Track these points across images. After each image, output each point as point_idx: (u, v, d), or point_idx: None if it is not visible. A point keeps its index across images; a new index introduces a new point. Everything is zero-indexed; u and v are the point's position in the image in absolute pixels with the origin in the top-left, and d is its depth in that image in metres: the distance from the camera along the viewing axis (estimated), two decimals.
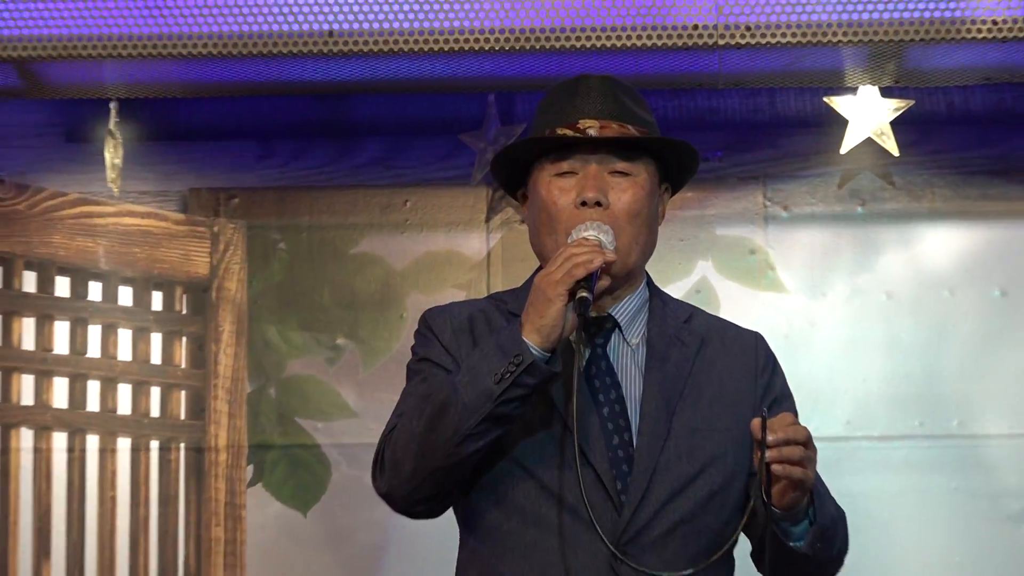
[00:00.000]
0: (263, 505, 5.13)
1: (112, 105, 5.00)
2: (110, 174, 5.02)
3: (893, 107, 4.89)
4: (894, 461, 5.04)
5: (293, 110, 5.17)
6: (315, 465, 5.10)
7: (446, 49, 4.69)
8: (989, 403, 5.08)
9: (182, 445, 5.18)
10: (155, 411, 5.17)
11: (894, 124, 4.93)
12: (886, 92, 4.89)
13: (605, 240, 3.00)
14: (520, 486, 3.01)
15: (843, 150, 4.95)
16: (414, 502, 3.00)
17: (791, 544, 2.99)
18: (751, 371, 3.17)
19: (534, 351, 2.89)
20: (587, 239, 2.99)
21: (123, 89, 4.95)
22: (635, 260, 3.08)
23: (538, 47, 4.62)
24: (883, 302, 5.12)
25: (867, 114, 4.93)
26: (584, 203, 3.03)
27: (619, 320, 3.06)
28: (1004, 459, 5.04)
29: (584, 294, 2.91)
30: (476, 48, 4.70)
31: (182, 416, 5.18)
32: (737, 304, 5.03)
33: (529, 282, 3.10)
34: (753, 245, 5.15)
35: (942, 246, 5.13)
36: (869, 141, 4.94)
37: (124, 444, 5.11)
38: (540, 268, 3.10)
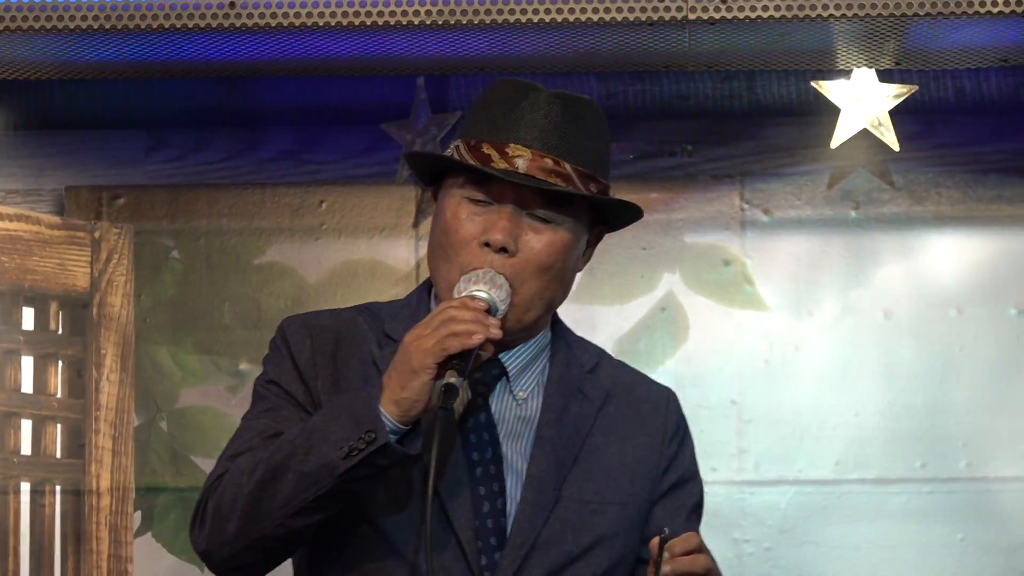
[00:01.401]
0: (154, 558, 4.84)
1: None
2: None
3: (893, 94, 4.63)
4: (892, 508, 4.78)
5: (189, 95, 4.93)
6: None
7: (368, 24, 4.38)
8: (1002, 442, 4.83)
9: (58, 487, 4.86)
10: (26, 448, 4.85)
11: (893, 113, 4.65)
12: (885, 76, 4.65)
13: (497, 300, 2.77)
14: (370, 549, 2.82)
15: (834, 144, 4.68)
16: (233, 567, 2.80)
17: None
18: (657, 438, 3.00)
19: (389, 425, 2.70)
20: (474, 298, 2.77)
21: None
22: (534, 316, 2.90)
23: (476, 21, 4.33)
24: (880, 322, 4.88)
25: (863, 102, 4.68)
26: (488, 244, 2.82)
27: (508, 369, 2.89)
28: (1019, 507, 4.79)
29: (452, 380, 2.70)
30: (403, 23, 4.38)
31: (58, 454, 4.88)
32: (709, 324, 4.86)
33: (412, 299, 2.95)
34: (728, 255, 4.90)
35: (949, 257, 4.87)
36: (865, 133, 4.67)
37: None
38: (427, 283, 2.93)
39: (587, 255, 3.03)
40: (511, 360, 2.91)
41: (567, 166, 2.86)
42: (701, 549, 2.78)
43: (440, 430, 2.74)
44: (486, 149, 2.83)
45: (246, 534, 2.77)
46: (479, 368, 2.87)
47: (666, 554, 2.75)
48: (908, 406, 4.84)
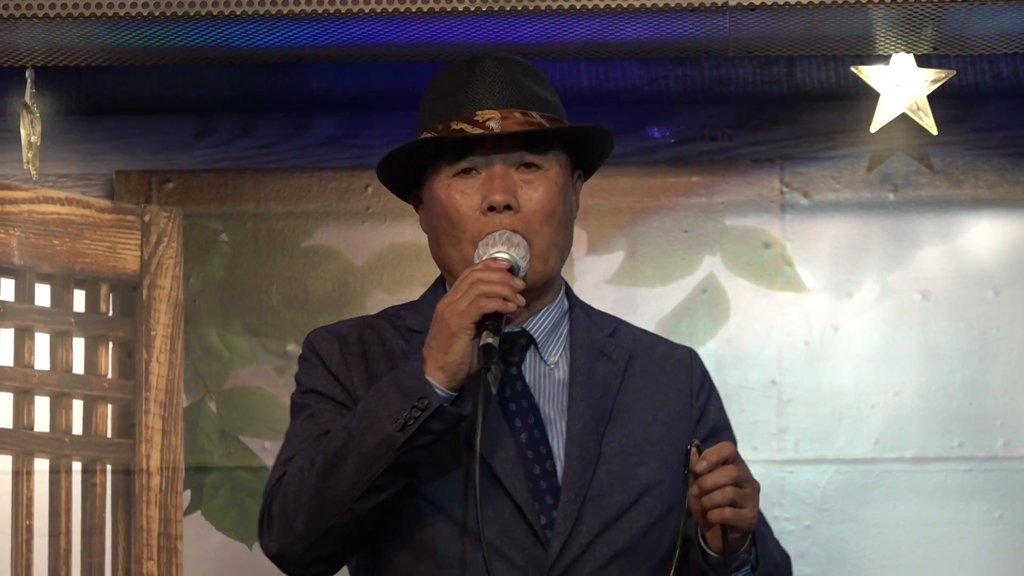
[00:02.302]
0: (202, 536, 4.88)
1: (28, 74, 4.71)
2: (26, 154, 4.72)
3: (931, 78, 4.62)
4: (930, 487, 4.79)
5: (236, 81, 4.94)
6: (262, 490, 4.81)
7: (414, 10, 4.40)
8: None
9: (108, 467, 4.90)
10: (77, 428, 4.88)
11: (932, 98, 4.64)
12: (923, 61, 4.63)
13: (517, 258, 2.82)
14: (430, 526, 2.84)
15: (873, 128, 4.67)
16: (308, 563, 2.81)
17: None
18: (685, 391, 3.01)
19: (439, 391, 2.75)
20: (496, 259, 2.81)
21: (41, 55, 4.68)
22: (553, 265, 2.94)
23: (520, 8, 4.36)
24: (918, 303, 4.87)
25: (901, 86, 4.67)
26: (492, 208, 2.86)
27: (535, 336, 2.92)
28: None
29: (490, 340, 2.75)
30: (448, 10, 4.42)
31: (108, 434, 4.90)
32: (750, 305, 4.86)
33: (429, 296, 2.99)
34: (768, 237, 4.91)
35: (986, 239, 4.89)
36: (903, 118, 4.66)
37: (42, 466, 4.85)
38: (440, 280, 2.98)
39: (576, 204, 3.07)
40: (535, 327, 2.93)
41: (535, 115, 2.90)
42: (735, 460, 2.79)
43: (483, 389, 2.81)
44: (455, 125, 2.88)
45: (316, 527, 2.80)
46: (507, 340, 2.87)
47: (703, 463, 2.79)
48: (946, 386, 4.85)
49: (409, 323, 2.96)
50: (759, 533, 2.88)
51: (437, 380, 2.73)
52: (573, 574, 2.85)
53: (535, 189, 2.91)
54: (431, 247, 2.97)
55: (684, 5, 4.50)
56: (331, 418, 2.90)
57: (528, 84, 2.98)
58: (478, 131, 2.87)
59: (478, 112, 2.88)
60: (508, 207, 2.86)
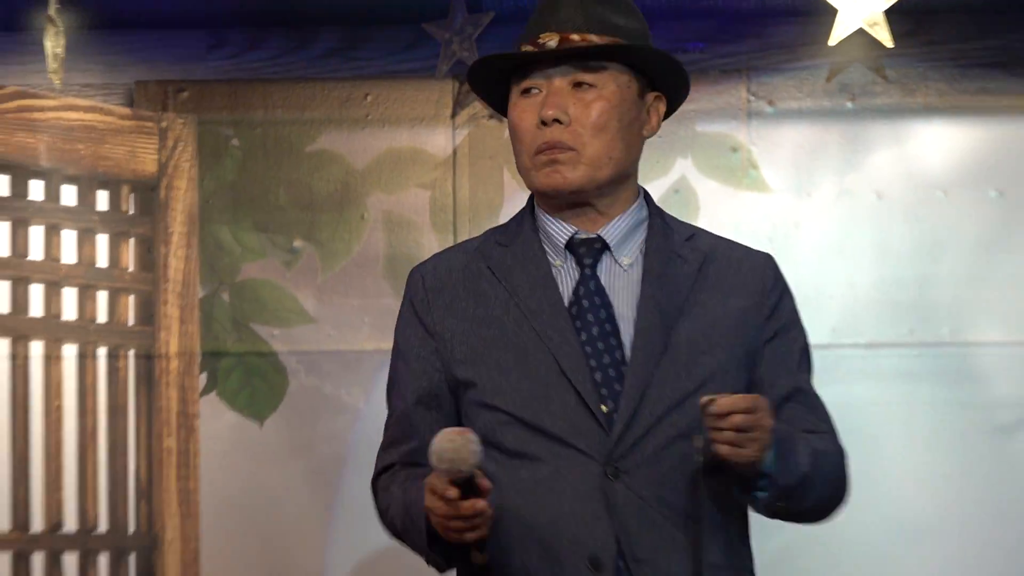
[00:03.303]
0: (217, 414, 5.01)
1: None
2: (51, 65, 4.81)
3: None
4: (882, 370, 4.91)
5: None
6: (272, 373, 5.02)
7: None
8: (984, 310, 4.95)
9: (131, 352, 5.04)
10: (102, 316, 5.03)
11: (888, 13, 4.74)
12: None
13: (457, 461, 2.91)
14: (508, 432, 3.02)
15: (832, 41, 4.78)
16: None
17: (754, 493, 2.99)
18: (758, 290, 3.12)
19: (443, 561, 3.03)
20: (446, 490, 2.90)
21: None
22: (608, 174, 3.03)
23: None
24: (873, 203, 4.99)
25: (859, 2, 4.78)
26: (543, 122, 3.00)
27: (608, 241, 3.04)
28: (998, 368, 4.92)
29: (477, 560, 2.96)
30: None
31: (131, 322, 5.04)
32: (718, 204, 4.96)
33: (518, 216, 3.13)
34: (735, 142, 5.01)
35: (936, 144, 4.99)
36: (860, 32, 4.78)
37: (70, 351, 5.00)
38: (531, 197, 3.11)
39: (650, 122, 3.19)
40: (609, 233, 3.08)
41: (594, 37, 3.02)
42: (752, 410, 2.91)
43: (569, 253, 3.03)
44: (523, 47, 3.01)
45: (404, 543, 3.12)
46: (584, 244, 3.09)
47: (714, 407, 2.89)
48: (898, 278, 4.95)
49: (498, 239, 3.17)
50: (786, 451, 3.01)
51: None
52: (636, 454, 2.99)
53: (588, 104, 3.04)
54: (518, 162, 3.17)
55: None
56: (412, 384, 3.19)
57: (599, 10, 3.11)
58: (531, 50, 3.04)
59: (542, 35, 3.04)
60: (557, 120, 3.01)
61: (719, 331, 3.08)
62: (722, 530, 3.15)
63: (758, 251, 3.24)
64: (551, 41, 3.05)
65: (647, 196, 3.25)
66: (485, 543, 2.98)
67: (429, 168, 5.01)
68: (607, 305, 3.07)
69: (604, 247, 3.10)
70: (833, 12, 4.72)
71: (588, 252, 3.10)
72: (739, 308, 3.11)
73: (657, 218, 3.18)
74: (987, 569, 4.98)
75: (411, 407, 3.18)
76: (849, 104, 4.98)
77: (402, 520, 3.13)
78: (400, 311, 3.20)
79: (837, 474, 3.21)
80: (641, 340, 3.02)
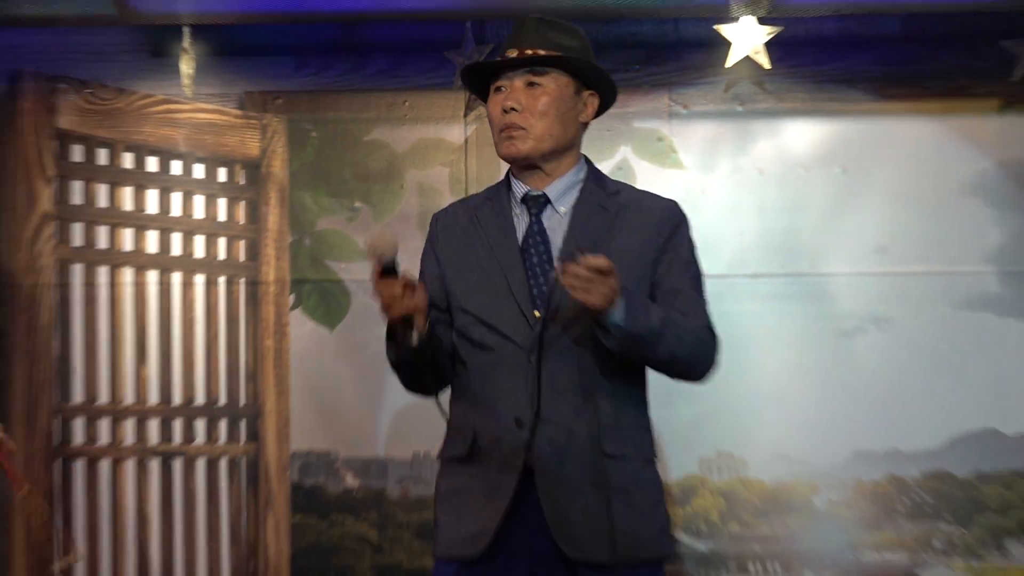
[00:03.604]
0: (301, 323, 5.33)
1: (185, 29, 5.19)
2: (185, 81, 5.23)
3: (766, 32, 5.12)
4: (761, 293, 5.34)
5: (322, 34, 5.31)
6: (339, 295, 5.32)
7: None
8: (832, 251, 5.36)
9: (242, 280, 5.37)
10: (222, 255, 5.37)
11: (767, 45, 5.16)
12: (762, 21, 5.12)
13: (387, 259, 3.18)
14: (475, 329, 3.35)
15: (728, 64, 5.17)
16: (422, 394, 3.46)
17: (608, 337, 3.18)
18: (661, 224, 3.35)
19: (407, 342, 3.28)
20: (385, 279, 3.15)
21: (195, 18, 5.17)
22: (550, 146, 3.32)
23: None
24: (756, 177, 5.39)
25: (746, 38, 5.14)
26: (504, 110, 3.31)
27: (550, 196, 3.34)
28: (842, 291, 5.35)
29: (411, 340, 3.22)
30: None
31: (242, 259, 5.38)
32: (648, 178, 5.27)
33: (498, 183, 3.43)
34: (660, 134, 5.35)
35: (800, 135, 5.37)
36: (747, 58, 5.16)
37: (200, 279, 5.34)
38: (509, 170, 3.37)
39: (586, 111, 3.39)
40: (551, 189, 3.36)
41: (540, 51, 3.29)
42: (606, 271, 3.08)
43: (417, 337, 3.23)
44: (499, 58, 3.36)
45: (410, 387, 3.44)
46: (532, 199, 3.34)
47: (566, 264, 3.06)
48: (773, 228, 5.34)
49: (487, 195, 3.45)
50: (636, 308, 3.20)
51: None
52: (552, 346, 3.26)
53: (535, 98, 3.30)
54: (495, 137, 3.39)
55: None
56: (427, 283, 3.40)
57: (549, 33, 3.34)
58: (502, 56, 3.32)
59: (508, 51, 3.32)
60: (514, 109, 3.27)
61: (625, 258, 3.26)
62: (619, 397, 3.36)
63: (667, 198, 3.45)
64: (512, 54, 3.31)
65: (588, 163, 3.42)
66: (415, 328, 3.20)
67: (449, 152, 5.30)
68: (546, 242, 3.32)
69: (547, 200, 3.33)
70: (728, 44, 5.13)
71: (535, 204, 3.33)
72: (644, 239, 3.36)
73: (591, 179, 3.39)
74: (826, 423, 5.36)
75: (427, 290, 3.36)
76: (739, 108, 5.33)
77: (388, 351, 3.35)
78: (425, 247, 3.49)
79: (695, 342, 3.37)
80: (562, 262, 3.22)
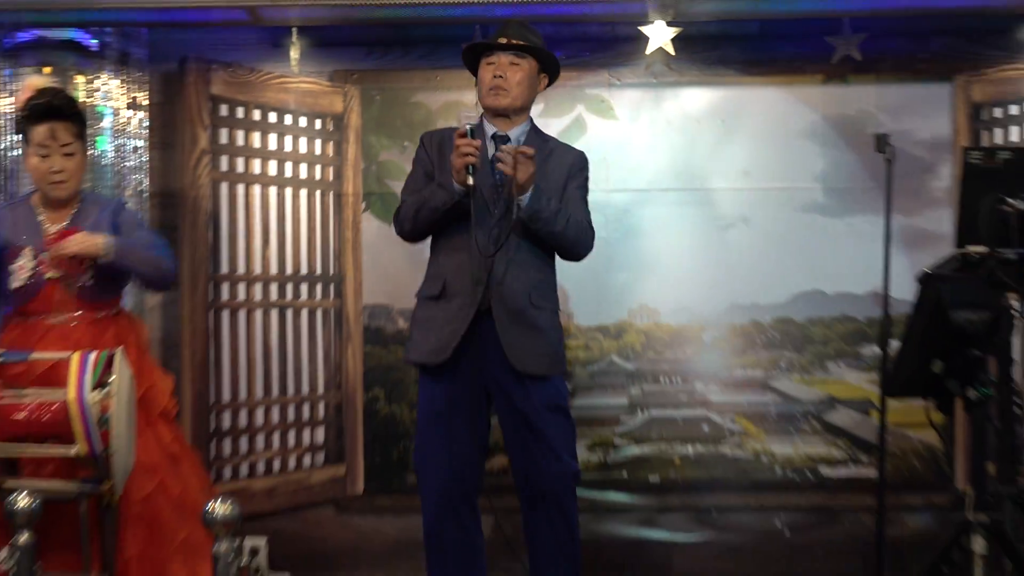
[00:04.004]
0: (369, 221, 6.27)
1: (294, 29, 6.00)
2: (293, 63, 6.08)
3: (672, 31, 5.93)
4: (669, 201, 6.16)
5: (382, 32, 6.18)
6: (393, 202, 5.62)
7: (456, 1, 5.63)
8: (715, 173, 6.21)
9: (331, 192, 6.27)
10: (318, 176, 6.30)
11: (673, 40, 5.99)
12: (669, 24, 5.89)
13: (474, 127, 3.85)
14: (455, 227, 4.11)
15: (647, 52, 6.03)
16: (412, 239, 4.24)
17: (522, 207, 3.86)
18: (570, 166, 4.28)
19: (456, 188, 3.99)
20: (463, 135, 3.70)
21: (300, 21, 5.94)
22: (519, 104, 4.17)
23: (502, 1, 5.53)
24: (665, 125, 6.26)
25: (659, 35, 5.98)
26: (494, 76, 4.18)
27: (510, 136, 4.21)
28: (721, 200, 6.13)
29: (469, 179, 3.87)
30: (473, 1, 5.63)
31: (331, 178, 6.28)
32: (594, 129, 6.11)
33: (474, 121, 4.06)
34: (603, 98, 6.23)
35: (696, 99, 6.24)
36: (660, 48, 6.00)
37: (303, 192, 6.31)
38: (482, 114, 3.92)
39: (540, 87, 4.17)
40: (511, 132, 4.18)
41: (519, 42, 4.05)
42: (526, 156, 3.74)
43: (474, 186, 3.82)
44: (498, 41, 4.13)
45: (413, 228, 4.18)
46: (499, 137, 4.03)
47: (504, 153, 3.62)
48: (678, 155, 6.13)
49: (447, 133, 4.14)
50: (540, 189, 3.77)
51: (457, 181, 3.95)
52: (509, 235, 3.81)
53: (515, 73, 4.12)
54: (479, 93, 4.16)
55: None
56: (419, 179, 4.16)
57: (526, 32, 4.13)
58: (495, 42, 4.17)
59: (499, 39, 4.17)
60: (500, 76, 4.07)
61: (549, 179, 4.07)
62: (540, 269, 4.05)
63: (578, 149, 4.26)
64: (503, 41, 4.13)
65: (532, 121, 4.14)
66: (471, 171, 3.68)
67: (467, 110, 6.17)
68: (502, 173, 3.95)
69: (507, 139, 4.13)
70: (647, 39, 5.95)
71: (500, 140, 4.14)
72: (561, 171, 4.20)
73: (533, 131, 4.12)
74: (711, 286, 6.10)
75: (420, 184, 4.12)
76: (654, 80, 6.18)
77: (418, 200, 3.94)
78: (417, 151, 4.18)
79: (579, 230, 4.06)
80: (508, 187, 3.89)
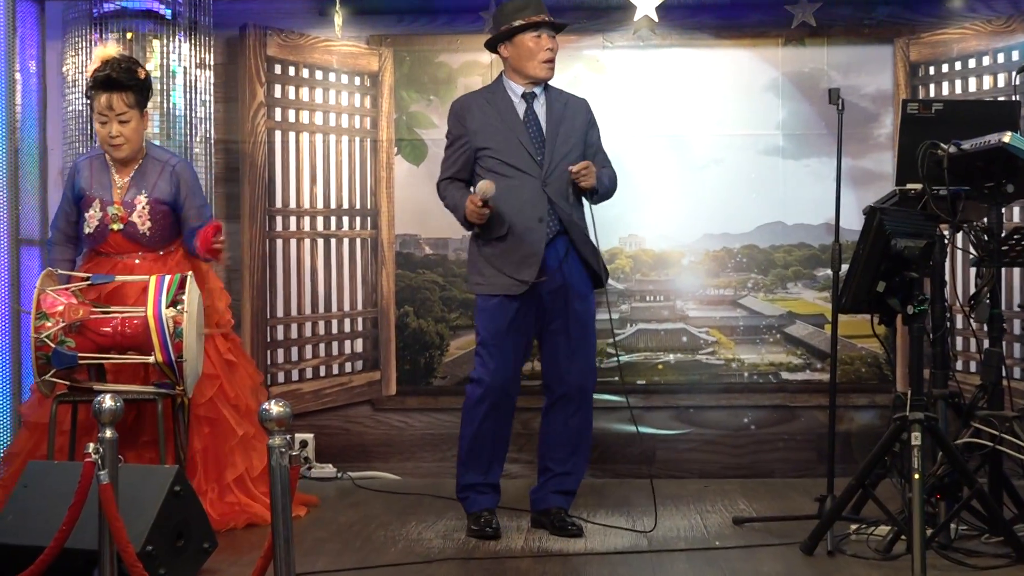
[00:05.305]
0: (400, 162, 6.25)
1: (337, 3, 5.93)
2: (337, 28, 5.99)
3: (658, 1, 5.95)
4: (653, 145, 6.11)
5: (413, 2, 6.17)
6: (421, 146, 6.19)
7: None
8: (691, 120, 6.06)
9: (369, 139, 6.25)
10: (357, 125, 6.26)
11: (657, 8, 5.99)
12: None
13: (489, 194, 3.93)
14: (500, 166, 4.19)
15: (635, 19, 6.01)
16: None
17: (592, 196, 4.18)
18: (584, 115, 4.42)
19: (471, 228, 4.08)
20: (481, 204, 3.77)
21: None
22: (554, 73, 4.26)
23: None
24: (650, 80, 6.23)
25: (646, 4, 6.00)
26: (548, 50, 4.26)
27: (537, 95, 4.35)
28: (697, 143, 6.04)
29: (476, 228, 3.92)
30: None
31: (368, 127, 6.25)
32: (592, 81, 6.09)
33: (493, 83, 4.20)
34: (598, 57, 6.19)
35: (675, 58, 6.18)
36: (646, 16, 6.01)
37: (345, 139, 6.25)
38: (501, 73, 4.06)
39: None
40: (537, 91, 4.28)
41: (561, 23, 4.18)
42: (585, 168, 3.95)
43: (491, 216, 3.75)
44: (535, 18, 4.13)
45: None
46: (530, 95, 4.06)
47: (575, 168, 3.84)
48: (659, 108, 6.05)
49: (493, 88, 4.26)
50: (600, 181, 4.01)
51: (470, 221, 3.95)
52: (551, 178, 4.02)
53: (556, 46, 4.23)
54: (514, 60, 4.19)
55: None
56: (454, 154, 4.14)
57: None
58: (547, 19, 4.20)
59: (541, 15, 4.19)
60: (551, 50, 4.15)
61: (574, 131, 4.18)
62: (577, 206, 4.24)
63: (582, 98, 4.34)
64: (546, 18, 4.17)
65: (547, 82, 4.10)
66: (485, 223, 3.87)
67: (481, 68, 6.18)
68: (536, 120, 4.16)
69: (535, 96, 4.24)
70: (635, 8, 5.95)
71: (529, 97, 4.23)
72: (580, 121, 4.32)
73: (552, 88, 4.30)
74: (689, 217, 6.09)
75: (458, 156, 4.20)
76: (641, 43, 6.13)
77: (454, 206, 4.19)
78: (450, 119, 4.22)
79: (611, 184, 4.35)
80: (550, 134, 4.09)
